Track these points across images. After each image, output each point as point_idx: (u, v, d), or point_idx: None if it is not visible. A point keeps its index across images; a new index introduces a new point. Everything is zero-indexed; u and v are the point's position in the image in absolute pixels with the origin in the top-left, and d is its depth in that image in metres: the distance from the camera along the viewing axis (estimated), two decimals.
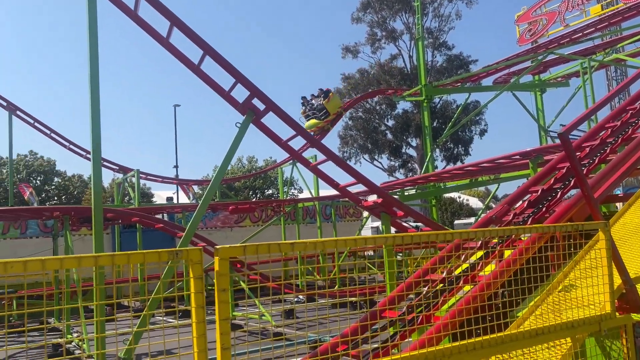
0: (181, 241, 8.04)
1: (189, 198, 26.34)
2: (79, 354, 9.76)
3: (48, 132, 20.10)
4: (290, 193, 35.75)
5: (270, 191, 44.34)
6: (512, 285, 3.59)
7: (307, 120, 19.19)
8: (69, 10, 76.91)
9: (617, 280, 3.90)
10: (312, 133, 21.16)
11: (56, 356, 9.53)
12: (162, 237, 18.55)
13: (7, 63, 73.23)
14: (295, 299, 14.72)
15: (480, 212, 24.70)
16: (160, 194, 41.54)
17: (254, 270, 13.43)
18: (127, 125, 77.76)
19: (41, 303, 14.51)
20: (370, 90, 33.38)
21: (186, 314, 13.31)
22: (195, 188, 31.27)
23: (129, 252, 2.19)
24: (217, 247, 2.34)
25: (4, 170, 35.43)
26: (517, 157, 10.63)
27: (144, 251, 2.22)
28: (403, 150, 40.77)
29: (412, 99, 22.72)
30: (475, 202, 52.50)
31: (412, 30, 37.69)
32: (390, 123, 40.62)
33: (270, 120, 8.93)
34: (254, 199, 41.20)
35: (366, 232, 28.85)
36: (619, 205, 7.21)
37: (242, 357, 3.29)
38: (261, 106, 8.45)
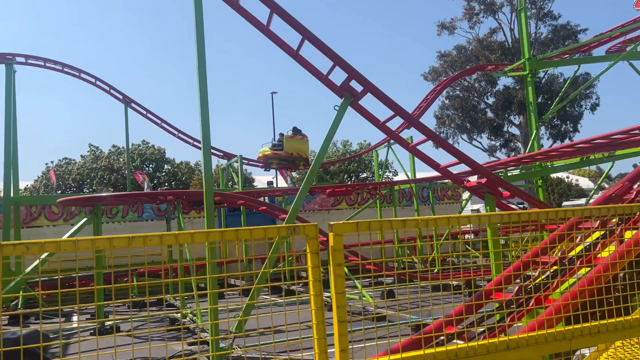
0: (285, 222, 8.32)
1: (287, 182, 27.15)
2: (193, 327, 10.49)
3: (159, 122, 21.56)
4: (385, 176, 35.61)
5: (364, 174, 44.43)
6: None
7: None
8: (175, 6, 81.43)
9: None
10: (258, 160, 20.65)
11: (173, 328, 10.29)
12: (264, 220, 19.33)
13: (122, 58, 79.32)
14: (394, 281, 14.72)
15: (592, 192, 23.01)
16: (260, 179, 43.14)
17: (349, 249, 13.59)
18: (229, 112, 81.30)
19: (157, 281, 15.74)
20: (468, 67, 32.11)
21: (288, 294, 13.82)
22: (293, 173, 32.09)
23: (250, 227, 2.32)
24: (332, 223, 2.41)
25: (121, 159, 38.62)
26: (636, 131, 9.73)
27: (265, 227, 2.35)
28: (505, 129, 38.93)
29: (514, 74, 21.57)
30: (585, 183, 49.01)
31: (513, 1, 35.60)
32: (491, 100, 38.89)
33: (366, 102, 8.92)
34: (349, 182, 41.50)
35: None
36: None
37: (354, 333, 3.37)
38: (359, 88, 8.46)
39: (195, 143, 22.14)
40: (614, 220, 4.55)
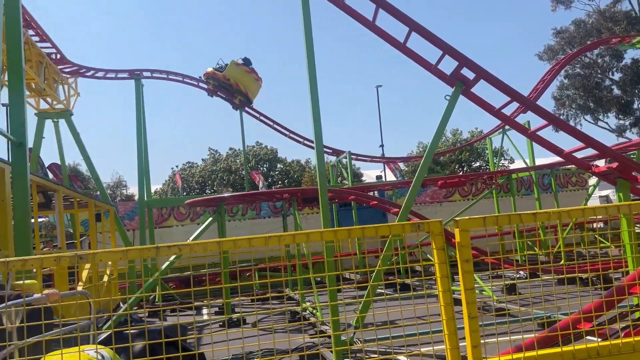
0: (399, 216, 8.29)
1: (395, 175, 26.96)
2: (313, 320, 10.84)
3: (271, 123, 22.48)
4: (501, 164, 34.02)
5: (477, 163, 42.82)
6: None
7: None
8: (281, 9, 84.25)
9: None
10: (204, 78, 19.05)
11: (294, 322, 10.71)
12: (374, 213, 19.40)
13: None
14: (517, 275, 14.05)
15: None
16: (369, 173, 43.30)
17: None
18: (336, 109, 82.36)
19: (277, 275, 16.49)
20: (589, 42, 29.60)
21: (402, 288, 13.75)
22: (401, 165, 31.79)
23: (376, 225, 2.37)
24: (457, 219, 2.38)
25: (238, 160, 40.79)
26: None
27: (389, 224, 2.38)
28: (635, 106, 35.38)
29: None
30: None
31: None
32: (617, 76, 35.55)
33: (478, 88, 8.60)
34: (460, 173, 40.21)
35: (594, 202, 25.91)
36: None
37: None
38: (470, 75, 8.19)
39: (306, 142, 22.77)
40: None
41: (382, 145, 35.13)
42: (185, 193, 38.95)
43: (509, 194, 18.61)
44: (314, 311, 11.38)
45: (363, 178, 42.74)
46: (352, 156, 22.81)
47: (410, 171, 37.98)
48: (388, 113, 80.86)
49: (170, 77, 19.55)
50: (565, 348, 2.43)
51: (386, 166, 28.78)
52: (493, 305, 10.57)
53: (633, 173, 7.52)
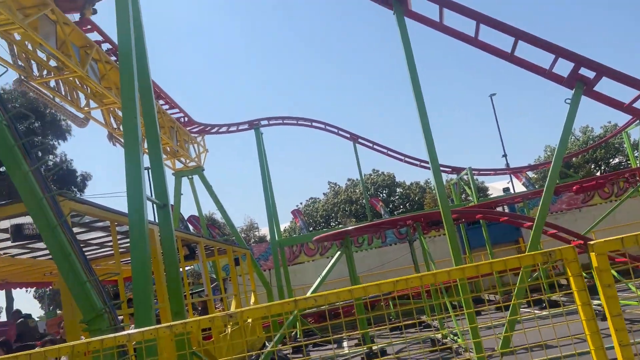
0: (533, 232, 7.88)
1: (525, 185, 25.50)
2: (456, 346, 10.48)
3: (385, 151, 22.60)
4: None
5: (615, 160, 39.12)
6: None
7: None
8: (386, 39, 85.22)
9: None
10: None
11: (435, 350, 10.40)
12: (506, 229, 18.44)
13: (345, 100, 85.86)
14: None
15: None
16: (495, 186, 41.43)
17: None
18: (450, 125, 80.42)
19: (410, 302, 16.24)
20: None
21: (551, 305, 12.79)
22: (530, 173, 29.98)
23: (504, 258, 2.34)
24: (592, 242, 2.28)
25: (357, 190, 41.30)
26: None
27: (519, 256, 2.34)
28: None
29: None
30: None
31: None
32: None
33: (602, 85, 8.02)
34: (597, 173, 36.96)
35: None
36: None
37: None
38: (590, 74, 7.68)
39: (423, 164, 22.49)
40: None
41: (505, 155, 33.50)
42: (311, 228, 40.14)
43: None
44: (455, 337, 11.03)
45: (489, 192, 40.93)
46: (473, 171, 22.03)
47: (541, 178, 35.69)
48: (507, 121, 77.00)
49: (285, 121, 20.60)
50: None
51: (513, 177, 27.38)
52: None
53: None
